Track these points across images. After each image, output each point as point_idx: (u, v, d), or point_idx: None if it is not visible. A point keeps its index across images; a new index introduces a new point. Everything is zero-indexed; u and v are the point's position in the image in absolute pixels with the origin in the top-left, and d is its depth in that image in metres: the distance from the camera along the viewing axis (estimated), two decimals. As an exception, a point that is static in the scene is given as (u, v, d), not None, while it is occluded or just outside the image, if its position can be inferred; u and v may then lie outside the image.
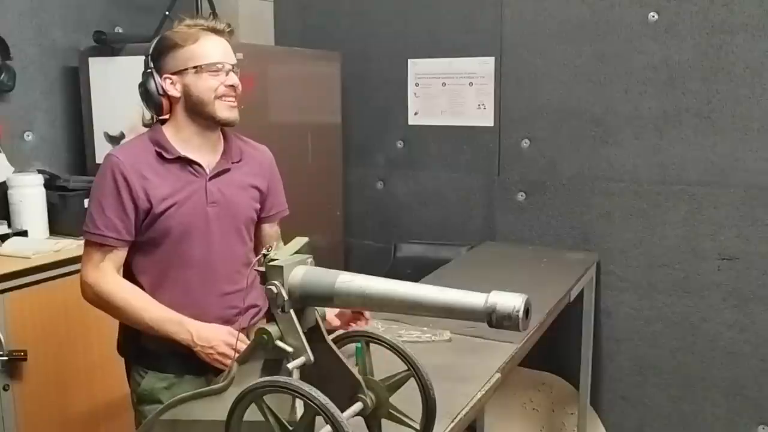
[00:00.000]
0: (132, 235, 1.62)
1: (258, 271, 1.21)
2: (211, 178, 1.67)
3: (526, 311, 1.03)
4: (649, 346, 2.97)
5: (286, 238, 1.29)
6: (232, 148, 1.73)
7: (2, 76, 2.69)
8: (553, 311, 2.28)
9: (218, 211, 1.67)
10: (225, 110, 1.65)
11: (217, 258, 1.68)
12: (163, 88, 1.64)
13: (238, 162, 1.74)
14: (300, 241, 1.25)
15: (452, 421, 1.47)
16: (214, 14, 3.04)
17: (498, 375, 1.73)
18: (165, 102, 1.65)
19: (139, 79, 1.68)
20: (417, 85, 3.33)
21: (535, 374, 3.10)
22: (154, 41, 1.69)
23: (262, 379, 1.07)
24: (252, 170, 1.77)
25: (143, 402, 1.69)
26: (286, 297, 1.15)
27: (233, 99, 1.66)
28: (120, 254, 1.63)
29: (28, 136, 2.88)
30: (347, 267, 3.21)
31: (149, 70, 1.66)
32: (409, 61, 3.32)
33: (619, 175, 2.94)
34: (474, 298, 1.05)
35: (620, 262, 2.98)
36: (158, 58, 1.66)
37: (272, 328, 1.16)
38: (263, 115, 2.84)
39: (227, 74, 1.64)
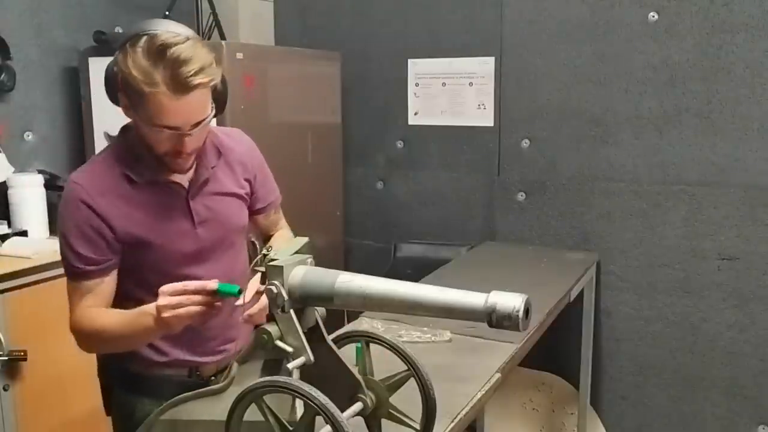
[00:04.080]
0: (112, 255, 1.41)
1: (258, 271, 1.21)
2: (192, 196, 1.48)
3: (526, 311, 1.03)
4: (649, 346, 2.97)
5: (287, 239, 1.29)
6: (207, 151, 1.50)
7: (2, 76, 2.69)
8: (553, 311, 2.28)
9: (208, 229, 1.50)
10: (172, 164, 1.42)
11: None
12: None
13: (217, 163, 1.53)
14: (300, 241, 1.25)
15: (452, 421, 1.47)
16: (214, 14, 3.05)
17: (498, 375, 1.73)
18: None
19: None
20: (417, 85, 3.33)
21: (535, 374, 3.10)
22: (128, 35, 1.36)
23: (262, 379, 1.07)
24: (235, 169, 1.57)
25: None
26: (286, 297, 1.15)
27: (182, 161, 1.42)
28: (104, 286, 1.42)
29: (28, 136, 2.88)
30: (347, 267, 3.21)
31: (115, 69, 1.36)
32: (409, 61, 3.32)
33: (619, 175, 2.94)
34: (474, 298, 1.05)
35: (620, 262, 2.98)
36: (118, 66, 1.35)
37: (272, 328, 1.16)
38: (263, 115, 2.84)
39: (183, 137, 1.35)
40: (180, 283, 1.26)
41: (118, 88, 1.36)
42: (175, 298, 1.24)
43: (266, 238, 1.75)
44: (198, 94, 1.32)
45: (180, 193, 1.47)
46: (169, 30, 1.34)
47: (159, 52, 1.29)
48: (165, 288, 1.26)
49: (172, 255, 1.46)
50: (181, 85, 1.29)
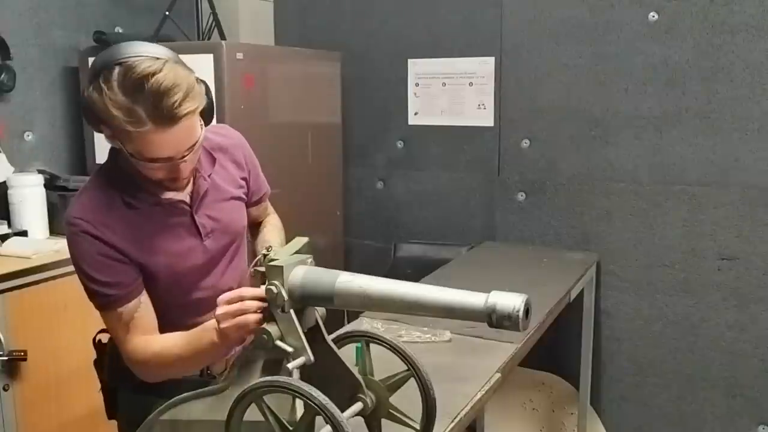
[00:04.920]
0: (137, 274, 1.37)
1: (258, 271, 1.21)
2: (196, 210, 1.44)
3: (526, 311, 1.03)
4: (649, 346, 2.97)
5: (287, 239, 1.28)
6: (201, 160, 1.44)
7: (2, 76, 2.69)
8: (553, 311, 2.28)
9: (215, 239, 1.48)
10: (170, 185, 1.37)
11: (228, 289, 1.46)
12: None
13: (213, 170, 1.49)
14: (300, 241, 1.25)
15: (452, 421, 1.47)
16: (214, 14, 3.05)
17: (498, 375, 1.73)
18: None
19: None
20: (417, 85, 3.33)
21: (535, 374, 3.10)
22: (97, 66, 1.25)
23: (262, 379, 1.07)
24: (231, 171, 1.54)
25: None
26: (286, 297, 1.15)
27: (181, 182, 1.37)
28: (144, 308, 1.38)
29: (28, 136, 2.88)
30: (347, 267, 3.21)
31: (91, 92, 1.24)
32: (409, 61, 3.32)
33: (619, 175, 2.94)
34: (474, 298, 1.05)
35: (620, 262, 2.98)
36: (94, 101, 1.24)
37: (272, 328, 1.16)
38: (263, 115, 2.84)
39: (177, 165, 1.30)
40: (236, 291, 1.21)
41: (98, 119, 1.26)
42: (234, 306, 1.19)
43: (256, 225, 1.74)
44: (186, 121, 1.24)
45: (183, 210, 1.43)
46: (143, 54, 1.23)
47: (137, 86, 1.19)
48: (223, 297, 1.21)
49: (184, 272, 1.44)
50: (167, 119, 1.21)
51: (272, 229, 1.72)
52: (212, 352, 1.30)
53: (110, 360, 1.56)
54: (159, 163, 1.28)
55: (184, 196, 1.44)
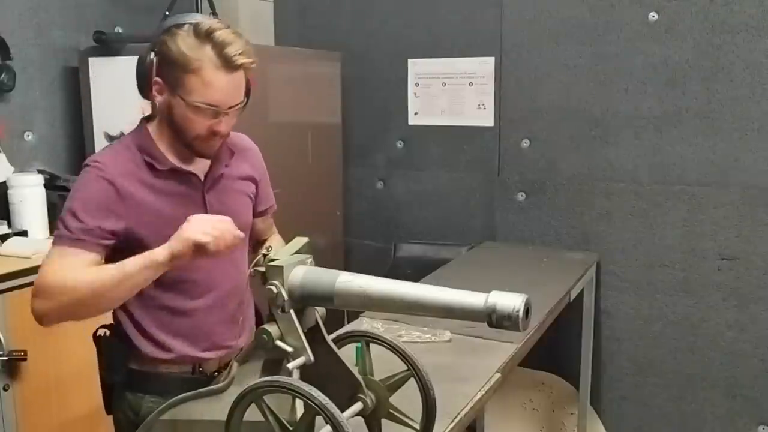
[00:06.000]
0: (113, 236, 1.41)
1: (258, 271, 1.21)
2: (207, 189, 1.52)
3: (526, 311, 1.03)
4: (649, 346, 2.97)
5: (287, 239, 1.28)
6: (222, 148, 1.53)
7: (2, 76, 2.69)
8: (553, 311, 2.28)
9: None
10: (202, 147, 1.47)
11: (222, 278, 1.54)
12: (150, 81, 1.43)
13: (230, 162, 1.58)
14: (300, 241, 1.25)
15: (452, 421, 1.47)
16: (215, 14, 3.04)
17: (498, 375, 1.73)
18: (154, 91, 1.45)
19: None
20: (417, 85, 3.33)
21: (535, 374, 3.10)
22: (167, 25, 1.44)
23: (262, 379, 1.07)
24: (245, 169, 1.63)
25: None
26: (286, 297, 1.15)
27: (215, 143, 1.47)
28: (88, 261, 1.39)
29: (28, 136, 2.88)
30: (347, 267, 3.21)
31: (151, 56, 1.43)
32: (409, 61, 3.32)
33: (619, 175, 2.94)
34: (474, 298, 1.05)
35: (620, 262, 2.98)
36: (159, 49, 1.42)
37: (272, 328, 1.16)
38: (263, 115, 2.84)
39: (220, 117, 1.42)
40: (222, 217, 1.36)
41: (153, 74, 1.42)
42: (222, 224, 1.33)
43: (259, 242, 1.75)
44: (240, 75, 1.41)
45: (197, 184, 1.51)
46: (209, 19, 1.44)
47: (207, 34, 1.38)
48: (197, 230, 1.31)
49: None
50: (228, 62, 1.38)
51: (278, 246, 1.73)
52: (139, 278, 1.33)
53: (106, 356, 1.58)
54: (206, 108, 1.39)
55: (200, 173, 1.52)
